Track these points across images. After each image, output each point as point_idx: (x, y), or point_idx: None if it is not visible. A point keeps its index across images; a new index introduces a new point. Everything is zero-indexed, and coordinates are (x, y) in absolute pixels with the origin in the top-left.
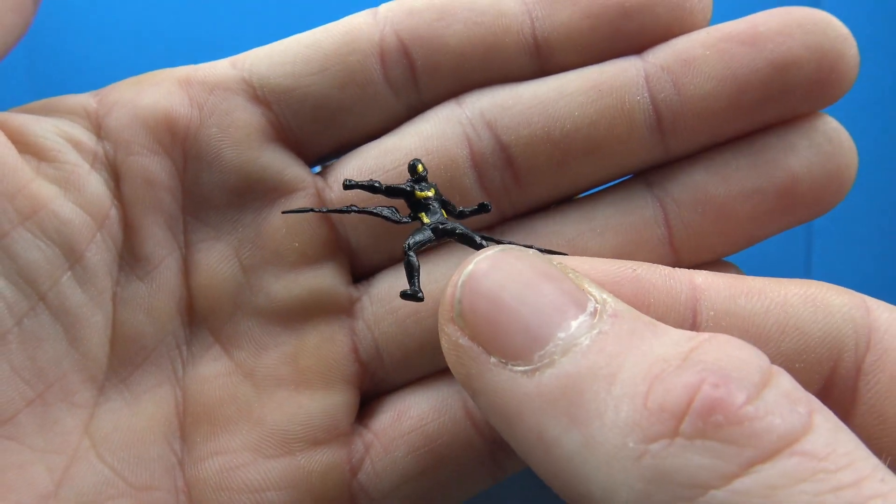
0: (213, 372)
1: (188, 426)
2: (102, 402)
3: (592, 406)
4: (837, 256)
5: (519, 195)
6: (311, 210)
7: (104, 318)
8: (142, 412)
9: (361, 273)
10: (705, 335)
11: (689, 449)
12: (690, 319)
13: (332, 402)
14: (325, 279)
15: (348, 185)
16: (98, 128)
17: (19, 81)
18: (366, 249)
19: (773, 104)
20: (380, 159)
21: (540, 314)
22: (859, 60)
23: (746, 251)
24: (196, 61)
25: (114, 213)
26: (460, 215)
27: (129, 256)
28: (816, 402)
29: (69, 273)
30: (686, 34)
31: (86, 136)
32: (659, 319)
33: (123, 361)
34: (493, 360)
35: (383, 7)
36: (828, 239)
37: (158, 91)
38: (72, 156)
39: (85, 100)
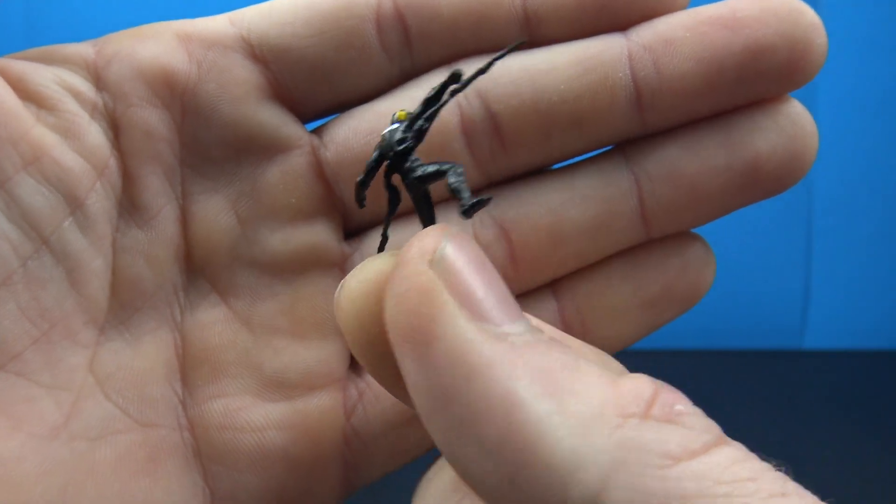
0: (211, 319)
1: (188, 369)
2: (104, 342)
3: (565, 376)
4: (837, 256)
5: (505, 161)
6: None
7: (104, 263)
8: (143, 354)
9: (354, 230)
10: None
11: (661, 428)
12: None
13: (327, 350)
14: (320, 234)
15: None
16: (97, 78)
17: (16, 28)
18: (357, 207)
19: (746, 87)
20: (374, 122)
21: (498, 298)
22: (827, 48)
23: (747, 249)
24: (191, 10)
25: (113, 162)
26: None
27: (128, 205)
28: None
29: (70, 219)
30: (668, 15)
31: (85, 87)
32: None
33: (123, 305)
34: (465, 312)
35: None
36: (827, 239)
37: (157, 45)
38: (72, 105)
39: (83, 49)
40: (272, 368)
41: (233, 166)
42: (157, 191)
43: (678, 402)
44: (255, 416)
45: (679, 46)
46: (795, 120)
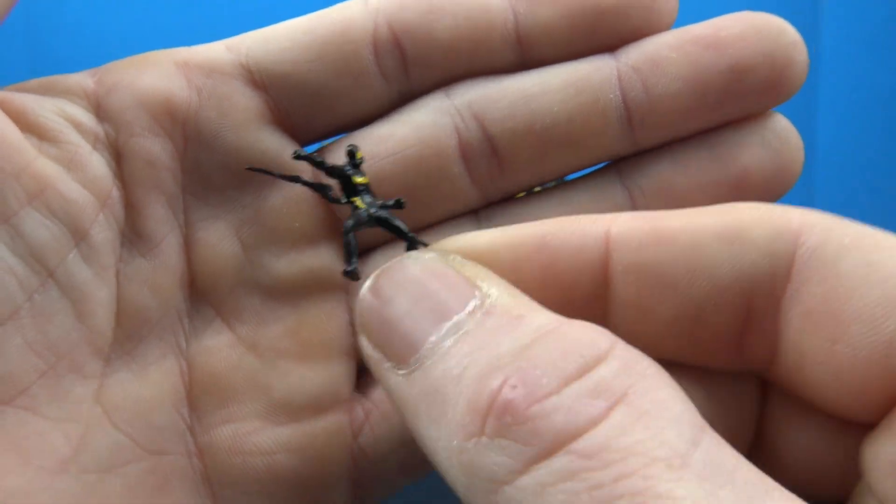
0: (216, 344)
1: (196, 395)
2: (110, 373)
3: (443, 406)
4: None
5: (503, 182)
6: (267, 172)
7: (109, 294)
8: (149, 382)
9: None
10: (559, 324)
11: (490, 447)
12: (601, 279)
13: (333, 372)
14: (323, 258)
15: (297, 156)
16: (98, 108)
17: (18, 54)
18: (360, 232)
19: (731, 104)
20: (374, 147)
21: (416, 321)
22: (808, 65)
23: None
24: (190, 36)
25: (115, 192)
26: (382, 206)
27: (132, 234)
28: (641, 385)
29: (75, 251)
30: (654, 35)
31: (86, 117)
32: (569, 286)
33: (129, 334)
34: (386, 364)
35: None
36: None
37: (157, 73)
38: (73, 136)
39: (83, 80)
40: (279, 391)
41: (235, 192)
42: (160, 219)
43: (511, 408)
44: (263, 440)
45: (666, 66)
46: (781, 134)
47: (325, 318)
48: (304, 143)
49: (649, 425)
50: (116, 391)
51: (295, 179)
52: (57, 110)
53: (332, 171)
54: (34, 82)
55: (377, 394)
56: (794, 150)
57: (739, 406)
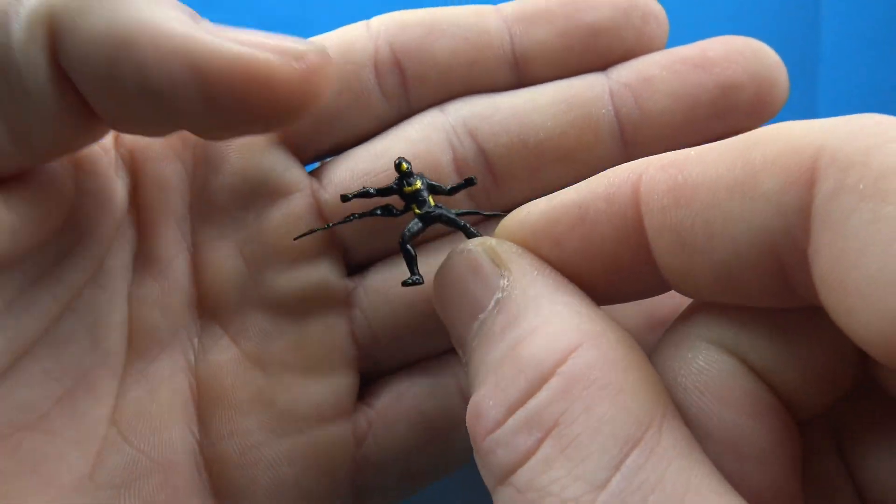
0: (223, 360)
1: (204, 411)
2: (123, 392)
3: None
4: None
5: (498, 196)
6: (319, 229)
7: (122, 317)
8: (160, 399)
9: (355, 266)
10: (531, 331)
11: (478, 461)
12: (642, 241)
13: (336, 383)
14: (324, 273)
15: (346, 198)
16: (115, 135)
17: None
18: (357, 245)
19: (719, 120)
20: (371, 163)
21: (461, 319)
22: (789, 85)
23: None
24: None
25: (130, 217)
26: (451, 191)
27: (143, 257)
28: (577, 408)
29: (92, 278)
30: (645, 55)
31: (110, 144)
32: (610, 253)
33: (140, 354)
34: (460, 351)
35: (375, 20)
36: None
37: None
38: (105, 166)
39: None
40: (284, 404)
41: (239, 212)
42: (170, 241)
43: (475, 439)
44: (269, 452)
45: (657, 84)
46: None
47: (327, 332)
48: (306, 161)
49: (571, 457)
50: (130, 409)
51: (349, 219)
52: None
53: (383, 193)
54: None
55: (380, 404)
56: None
57: (836, 337)
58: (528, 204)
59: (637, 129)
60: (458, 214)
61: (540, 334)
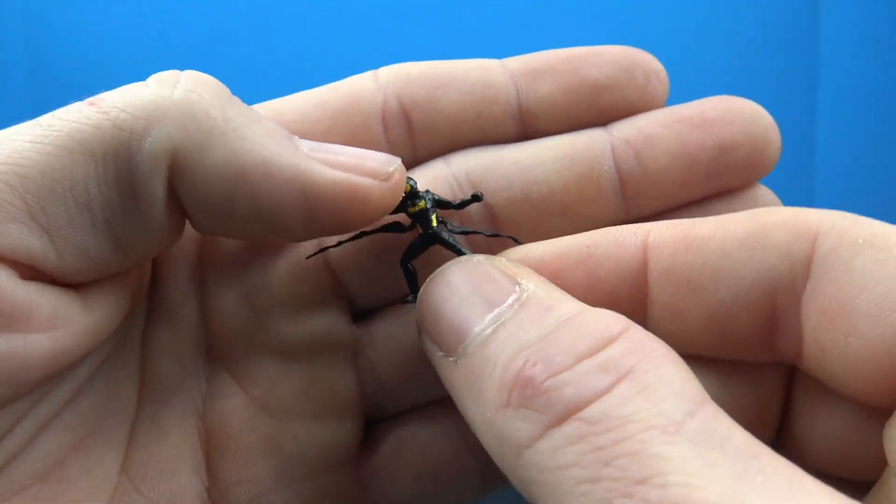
0: (232, 406)
1: (212, 457)
2: (134, 438)
3: (481, 386)
4: None
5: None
6: (331, 247)
7: (135, 365)
8: (170, 445)
9: (361, 313)
10: (581, 311)
11: (514, 416)
12: (641, 283)
13: (343, 430)
14: (330, 320)
15: (360, 235)
16: None
17: (18, 54)
18: (364, 292)
19: (717, 178)
20: None
21: (464, 315)
22: (781, 143)
23: None
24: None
25: (146, 266)
26: (459, 206)
27: (155, 305)
28: (646, 363)
29: (122, 336)
30: (646, 113)
31: None
32: (612, 291)
33: (151, 401)
34: (440, 354)
35: (383, 71)
36: None
37: None
38: None
39: None
40: (291, 450)
41: (247, 260)
42: (181, 288)
43: (530, 382)
44: (276, 499)
45: (657, 142)
46: (767, 205)
47: (334, 378)
48: None
49: (649, 397)
50: (140, 457)
51: (358, 236)
52: None
53: (392, 210)
54: None
55: (384, 450)
56: None
57: (767, 393)
58: (528, 244)
59: (637, 186)
60: (461, 233)
61: (591, 314)
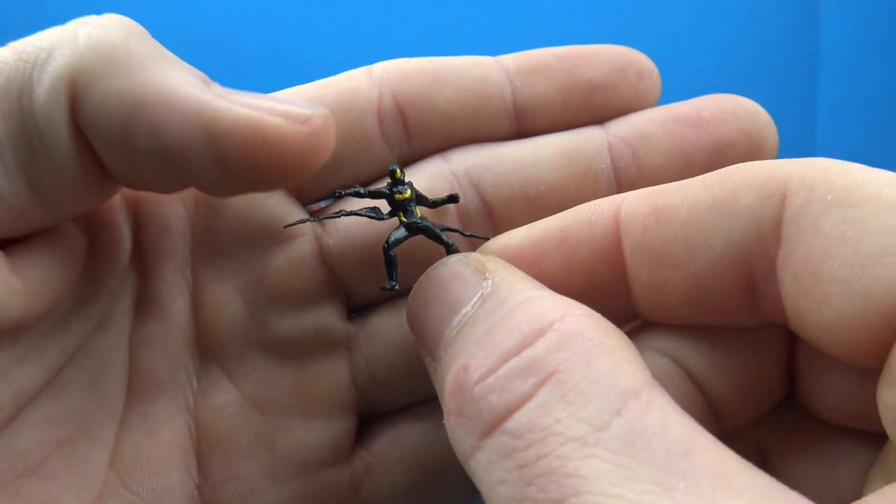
0: (223, 402)
1: (203, 454)
2: (122, 435)
3: (443, 391)
4: None
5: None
6: (308, 220)
7: (122, 360)
8: (159, 442)
9: (356, 310)
10: (524, 301)
11: (457, 425)
12: (618, 261)
13: (336, 427)
14: (325, 317)
15: (339, 194)
16: None
17: (15, 27)
18: (359, 289)
19: None
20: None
21: (440, 319)
22: (778, 141)
23: None
24: (191, 59)
25: (132, 259)
26: (434, 205)
27: (144, 299)
28: (575, 357)
29: (97, 323)
30: (642, 111)
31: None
32: (590, 272)
33: (140, 396)
34: (428, 359)
35: (378, 67)
36: None
37: None
38: (116, 215)
39: None
40: (283, 448)
41: (241, 255)
42: (171, 283)
43: (462, 389)
44: (267, 497)
45: (653, 141)
46: None
47: (327, 376)
48: (308, 205)
49: (572, 401)
50: (128, 453)
51: (338, 215)
52: None
53: (374, 195)
54: None
55: (377, 448)
56: None
57: (767, 354)
58: (508, 232)
59: (634, 184)
60: (441, 230)
61: (532, 304)
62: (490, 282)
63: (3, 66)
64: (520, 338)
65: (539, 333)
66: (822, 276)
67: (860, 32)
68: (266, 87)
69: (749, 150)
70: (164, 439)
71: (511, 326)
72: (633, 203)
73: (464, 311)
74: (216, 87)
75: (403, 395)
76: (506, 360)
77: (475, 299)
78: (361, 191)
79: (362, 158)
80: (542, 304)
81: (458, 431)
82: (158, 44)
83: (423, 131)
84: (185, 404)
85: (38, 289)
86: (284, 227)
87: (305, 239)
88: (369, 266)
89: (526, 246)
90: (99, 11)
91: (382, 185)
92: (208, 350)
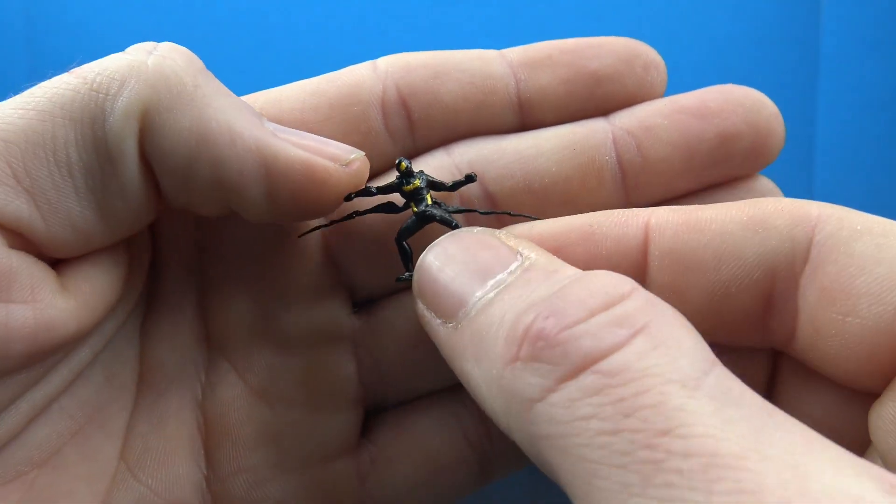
0: (231, 396)
1: (211, 446)
2: (133, 426)
3: (486, 345)
4: None
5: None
6: (323, 227)
7: (134, 353)
8: (168, 434)
9: (361, 304)
10: (588, 272)
11: (525, 370)
12: (641, 262)
13: (341, 420)
14: (330, 311)
15: (349, 197)
16: None
17: (18, 54)
18: (364, 283)
19: (718, 168)
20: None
21: (463, 282)
22: (785, 133)
23: None
24: (187, 38)
25: (145, 257)
26: (452, 188)
27: (155, 294)
28: (659, 321)
29: (121, 323)
30: (647, 102)
31: None
32: (612, 268)
33: (150, 389)
34: (438, 321)
35: (382, 61)
36: None
37: None
38: None
39: None
40: (290, 440)
41: (247, 252)
42: (181, 280)
43: (542, 335)
44: (274, 489)
45: (658, 132)
46: (767, 195)
47: (333, 369)
48: None
49: (665, 353)
50: (138, 445)
51: (351, 216)
52: None
53: (384, 191)
54: None
55: (382, 440)
56: None
57: (749, 379)
58: (529, 222)
59: (638, 175)
60: (455, 211)
61: (600, 273)
62: (526, 255)
63: (76, 95)
64: (606, 297)
65: (623, 297)
66: (852, 290)
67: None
68: (271, 81)
69: (755, 143)
70: (173, 431)
71: (592, 288)
72: (664, 213)
73: (499, 276)
74: (267, 123)
75: (409, 388)
76: (594, 314)
77: (512, 268)
78: (372, 189)
79: (366, 151)
80: (610, 276)
81: (524, 376)
82: (213, 76)
83: (426, 124)
84: (193, 397)
85: (90, 305)
86: (299, 236)
87: (310, 235)
88: (374, 260)
89: (550, 235)
90: (100, 11)
91: (391, 179)
92: (216, 345)
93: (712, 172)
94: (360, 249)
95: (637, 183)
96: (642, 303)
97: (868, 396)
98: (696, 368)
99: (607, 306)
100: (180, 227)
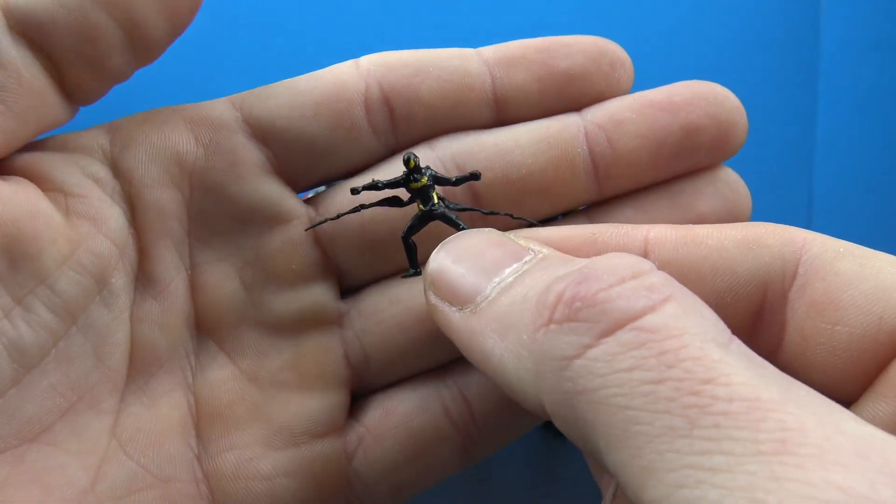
0: (221, 377)
1: (202, 426)
2: (124, 407)
3: (510, 320)
4: None
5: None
6: (329, 219)
7: (124, 335)
8: (160, 415)
9: (349, 289)
10: (601, 255)
11: (559, 331)
12: None
13: (329, 401)
14: (319, 295)
15: (356, 191)
16: (113, 164)
17: None
18: (352, 269)
19: (684, 159)
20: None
21: (478, 274)
22: (748, 126)
23: None
24: (179, 53)
25: (130, 240)
26: (456, 183)
27: (143, 278)
28: (683, 294)
29: (98, 298)
30: (618, 97)
31: (104, 173)
32: None
33: (141, 371)
34: (452, 308)
35: (364, 59)
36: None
37: (167, 131)
38: (96, 192)
39: (97, 137)
40: (279, 419)
41: (237, 237)
42: (169, 263)
43: (578, 296)
44: (264, 466)
45: (627, 126)
46: (731, 185)
47: (321, 352)
48: (300, 191)
49: (696, 318)
50: (130, 424)
51: (357, 209)
52: (80, 169)
53: (392, 185)
54: (52, 140)
55: (369, 420)
56: (743, 197)
57: None
58: (533, 228)
59: (609, 167)
60: (459, 209)
61: (618, 254)
62: (538, 250)
63: None
64: (632, 269)
65: (645, 272)
66: (840, 303)
67: (860, 32)
68: (257, 80)
69: (718, 135)
70: (165, 412)
71: (617, 261)
72: (663, 230)
73: (515, 266)
74: None
75: (395, 371)
76: (624, 280)
77: (527, 259)
78: (380, 184)
79: (351, 147)
80: (629, 256)
81: (559, 336)
82: None
83: (408, 120)
84: (184, 379)
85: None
86: (306, 229)
87: (300, 221)
88: (362, 247)
89: (553, 239)
90: None
91: (388, 177)
92: (206, 327)
93: (679, 163)
94: (348, 238)
95: (608, 174)
96: (664, 278)
97: (847, 404)
98: (721, 335)
99: (636, 275)
100: (170, 210)
